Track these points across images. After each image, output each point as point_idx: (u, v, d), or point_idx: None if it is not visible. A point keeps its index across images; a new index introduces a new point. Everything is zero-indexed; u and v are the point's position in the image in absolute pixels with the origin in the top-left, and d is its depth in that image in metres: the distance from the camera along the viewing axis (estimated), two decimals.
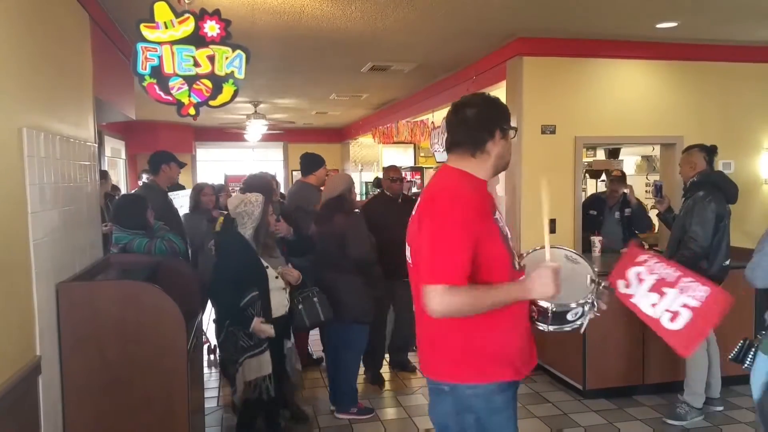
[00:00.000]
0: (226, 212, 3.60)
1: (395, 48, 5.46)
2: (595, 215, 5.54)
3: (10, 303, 2.18)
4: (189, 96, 3.14)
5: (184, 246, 3.86)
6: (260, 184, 4.24)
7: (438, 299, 1.73)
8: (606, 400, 4.37)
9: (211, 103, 3.20)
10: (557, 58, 5.16)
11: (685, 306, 1.89)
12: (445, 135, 2.01)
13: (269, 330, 3.30)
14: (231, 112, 9.75)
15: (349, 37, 5.04)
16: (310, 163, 4.89)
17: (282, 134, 12.27)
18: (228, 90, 3.20)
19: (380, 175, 11.05)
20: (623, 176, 5.79)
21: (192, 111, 3.18)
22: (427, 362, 2.02)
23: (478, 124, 1.93)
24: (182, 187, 7.22)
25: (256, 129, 9.64)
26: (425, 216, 1.87)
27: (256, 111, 9.00)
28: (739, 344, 2.69)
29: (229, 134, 12.09)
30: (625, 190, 5.55)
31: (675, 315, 1.89)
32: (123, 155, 10.60)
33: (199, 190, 5.46)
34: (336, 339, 4.14)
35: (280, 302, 3.50)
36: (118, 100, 4.53)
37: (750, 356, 2.63)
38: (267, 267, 3.45)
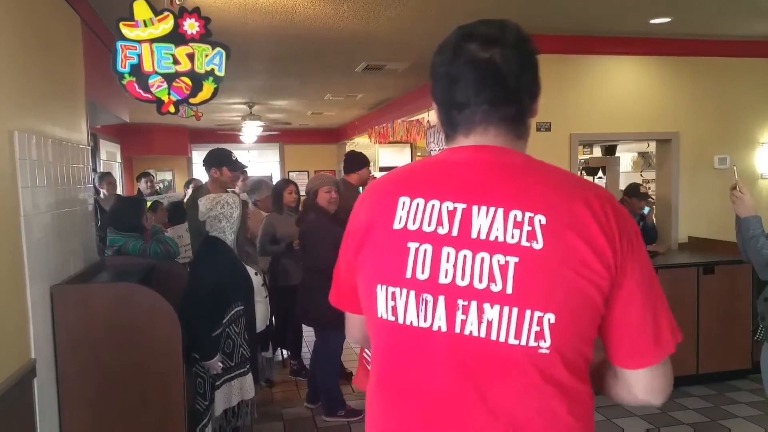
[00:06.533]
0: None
1: (389, 47, 5.45)
2: None
3: (3, 306, 2.17)
4: (168, 94, 3.12)
5: (179, 249, 3.83)
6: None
7: (670, 378, 1.08)
8: None
9: (191, 100, 3.17)
10: (551, 56, 5.14)
11: None
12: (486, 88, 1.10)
13: (218, 367, 2.90)
14: (226, 114, 9.74)
15: (343, 37, 5.03)
16: (353, 161, 4.91)
17: (278, 135, 12.24)
18: (208, 88, 3.17)
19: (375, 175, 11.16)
20: (647, 194, 5.56)
21: (172, 109, 3.15)
22: None
23: (538, 80, 1.13)
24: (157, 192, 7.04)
25: (251, 130, 9.63)
26: (628, 246, 1.00)
27: (251, 112, 8.98)
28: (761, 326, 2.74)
29: (225, 136, 12.05)
30: (647, 208, 5.44)
31: None
32: (118, 158, 10.57)
33: (282, 188, 4.86)
34: (317, 342, 4.20)
35: (263, 315, 3.34)
36: (112, 102, 4.52)
37: None
38: (256, 274, 3.26)
